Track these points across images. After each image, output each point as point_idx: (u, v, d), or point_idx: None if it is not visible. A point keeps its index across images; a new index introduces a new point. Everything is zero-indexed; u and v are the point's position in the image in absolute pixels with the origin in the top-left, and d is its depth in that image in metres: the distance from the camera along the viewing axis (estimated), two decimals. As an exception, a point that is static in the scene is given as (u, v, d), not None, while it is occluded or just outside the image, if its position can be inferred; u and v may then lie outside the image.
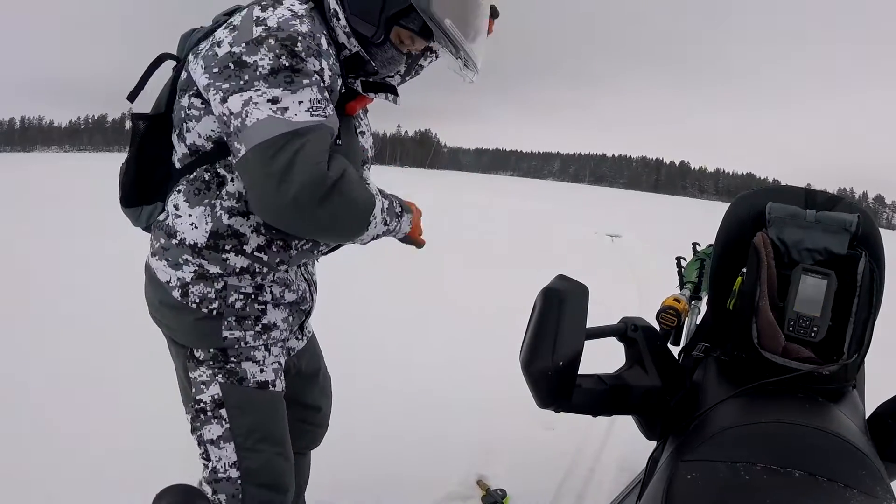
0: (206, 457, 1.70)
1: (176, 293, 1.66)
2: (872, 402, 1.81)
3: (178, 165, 1.68)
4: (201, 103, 1.60)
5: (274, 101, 1.45)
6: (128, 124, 1.76)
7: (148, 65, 1.72)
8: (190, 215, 1.65)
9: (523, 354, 1.65)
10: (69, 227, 9.44)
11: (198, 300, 1.65)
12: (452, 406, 3.82)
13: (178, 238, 1.65)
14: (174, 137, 1.69)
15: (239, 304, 1.68)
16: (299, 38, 1.50)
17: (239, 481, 1.69)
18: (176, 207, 1.66)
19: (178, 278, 1.66)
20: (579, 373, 1.63)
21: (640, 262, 10.97)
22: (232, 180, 1.64)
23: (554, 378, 1.59)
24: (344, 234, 1.62)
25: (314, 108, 1.49)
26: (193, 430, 1.71)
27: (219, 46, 1.53)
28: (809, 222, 1.85)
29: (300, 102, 1.47)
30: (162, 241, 1.68)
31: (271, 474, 1.72)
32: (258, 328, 1.72)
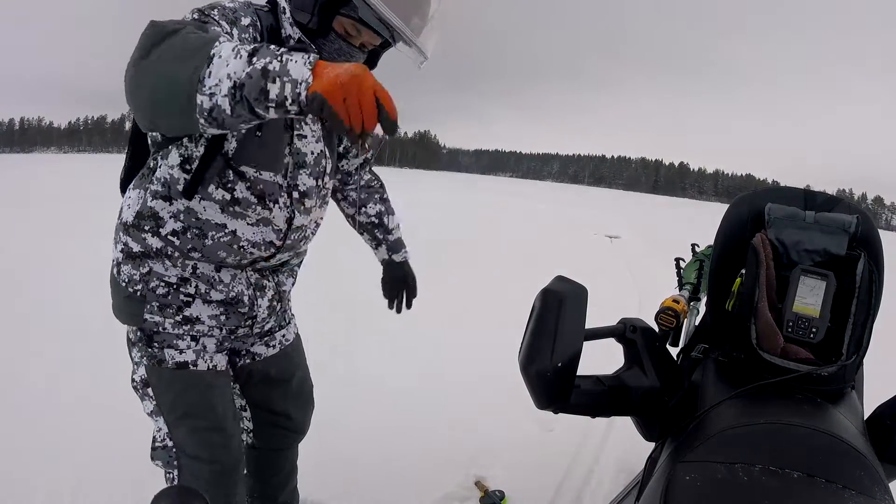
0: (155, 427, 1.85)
1: (114, 270, 1.80)
2: (871, 403, 1.81)
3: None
4: None
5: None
6: (127, 124, 1.79)
7: None
8: (129, 197, 1.76)
9: (522, 355, 1.65)
10: (66, 227, 9.45)
11: (126, 279, 1.76)
12: (451, 407, 3.82)
13: (120, 218, 1.78)
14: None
15: (161, 292, 1.75)
16: (217, 6, 1.55)
17: (174, 450, 1.82)
18: (129, 189, 1.79)
19: (115, 257, 1.79)
20: (578, 374, 1.63)
21: (638, 263, 10.97)
22: (160, 167, 1.70)
23: (553, 379, 1.58)
24: (169, 80, 1.25)
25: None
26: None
27: None
28: (808, 223, 1.85)
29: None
30: (117, 219, 1.80)
31: (198, 446, 1.81)
32: (178, 318, 1.77)
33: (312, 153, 1.81)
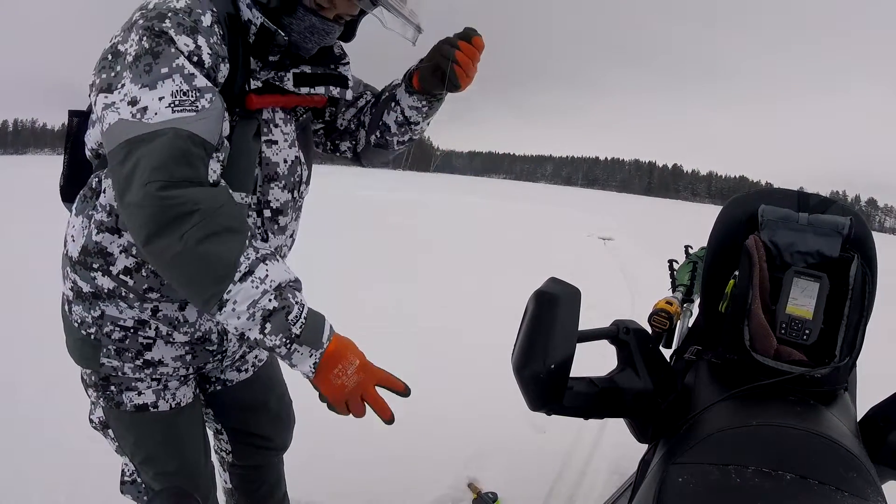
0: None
1: (65, 307, 1.61)
2: (864, 404, 1.81)
3: (92, 166, 1.56)
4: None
5: (133, 102, 1.25)
6: (74, 120, 1.59)
7: None
8: (73, 226, 1.54)
9: (515, 357, 1.64)
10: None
11: (78, 320, 1.57)
12: (444, 408, 3.81)
13: (66, 248, 1.57)
14: (86, 134, 1.54)
15: (116, 336, 1.55)
16: (169, 14, 1.31)
17: (143, 486, 1.74)
18: (71, 213, 1.57)
19: (64, 293, 1.59)
20: (571, 375, 1.63)
21: (632, 264, 10.98)
22: (105, 190, 1.47)
23: (545, 381, 1.58)
24: (183, 289, 1.31)
25: (177, 103, 1.25)
26: None
27: (112, 38, 1.37)
28: (802, 225, 1.85)
29: (161, 98, 1.25)
30: (63, 248, 1.60)
31: (166, 485, 1.69)
32: (139, 362, 1.58)
33: (286, 161, 1.59)
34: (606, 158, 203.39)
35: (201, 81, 1.30)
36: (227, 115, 1.38)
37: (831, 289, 1.71)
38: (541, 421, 3.55)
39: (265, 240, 1.60)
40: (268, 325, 1.25)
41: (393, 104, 1.76)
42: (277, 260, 1.32)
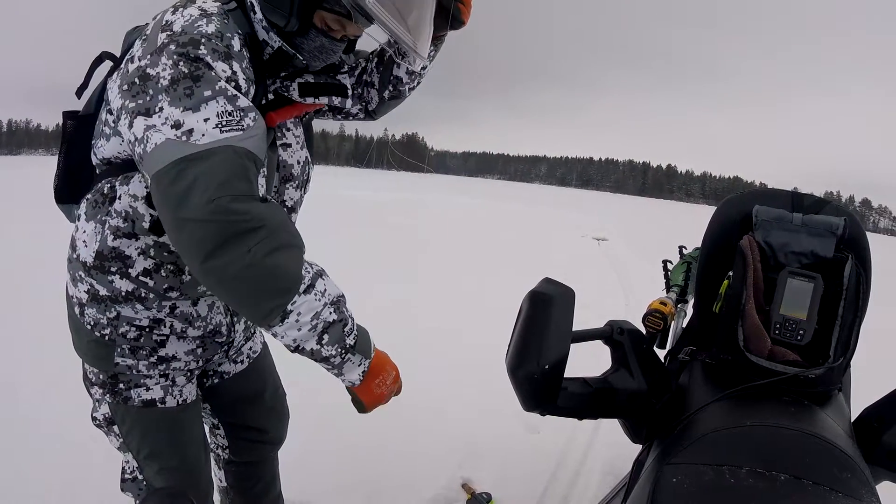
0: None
1: (76, 310, 1.63)
2: (858, 405, 1.81)
3: (96, 171, 1.57)
4: (113, 122, 1.45)
5: (176, 125, 1.27)
6: (70, 122, 1.60)
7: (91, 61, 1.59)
8: (84, 231, 1.55)
9: (509, 357, 1.64)
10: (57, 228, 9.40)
11: (92, 322, 1.60)
12: (438, 409, 3.81)
13: (76, 252, 1.58)
14: (94, 142, 1.56)
15: (132, 335, 1.60)
16: (202, 40, 1.34)
17: (143, 483, 1.77)
18: (79, 218, 1.58)
19: (77, 297, 1.61)
20: (565, 376, 1.63)
21: (626, 265, 11.01)
22: (120, 197, 1.49)
23: (540, 381, 1.58)
24: (242, 303, 1.32)
25: (224, 123, 1.29)
26: None
27: (131, 62, 1.38)
28: (796, 225, 1.85)
29: (206, 120, 1.28)
30: (69, 251, 1.62)
31: (167, 482, 1.74)
32: (153, 359, 1.64)
33: (298, 162, 1.68)
34: (601, 159, 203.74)
35: (244, 102, 1.34)
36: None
37: (825, 289, 1.71)
38: (535, 421, 3.55)
39: None
40: (325, 336, 1.35)
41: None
42: (328, 275, 1.42)
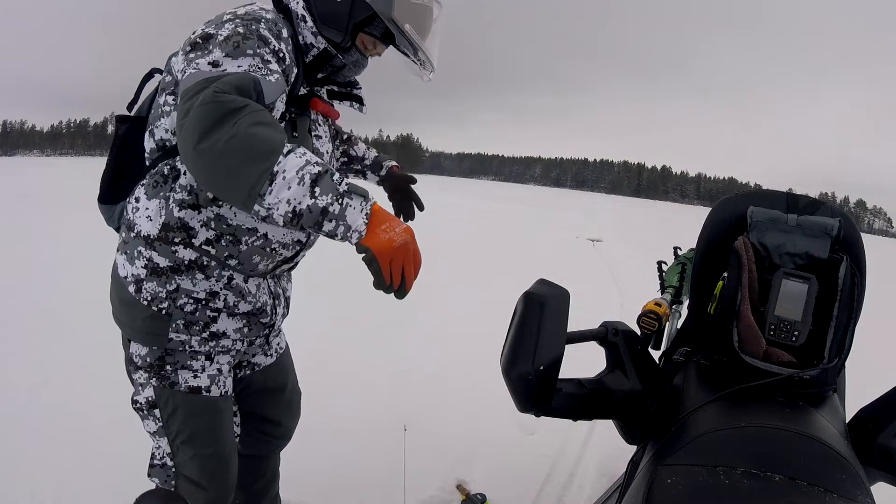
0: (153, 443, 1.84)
1: (131, 288, 1.70)
2: (853, 406, 1.81)
3: (147, 162, 1.71)
4: (173, 100, 1.63)
5: (214, 63, 1.46)
6: (110, 127, 1.78)
7: (141, 77, 1.80)
8: (147, 208, 1.68)
9: (504, 358, 1.64)
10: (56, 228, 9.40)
11: (149, 297, 1.69)
12: (433, 410, 3.81)
13: (136, 230, 1.70)
14: (146, 136, 1.70)
15: (189, 308, 1.71)
16: (262, 19, 1.58)
17: (173, 469, 1.81)
18: (136, 200, 1.71)
19: (133, 274, 1.70)
20: (560, 377, 1.62)
21: (621, 266, 11.02)
22: (185, 173, 1.66)
23: (534, 382, 1.57)
24: (231, 177, 1.33)
25: (251, 69, 1.48)
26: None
27: (193, 34, 1.57)
28: (791, 226, 1.85)
29: (239, 66, 1.47)
30: (124, 234, 1.74)
31: (199, 472, 1.80)
32: (205, 335, 1.75)
33: (327, 152, 1.90)
34: (595, 160, 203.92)
35: (274, 66, 1.54)
36: (283, 99, 1.60)
37: (820, 290, 1.72)
38: (530, 422, 3.54)
39: None
40: (317, 188, 1.32)
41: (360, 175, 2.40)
42: None
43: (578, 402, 1.71)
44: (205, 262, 1.70)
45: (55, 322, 4.85)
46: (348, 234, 1.35)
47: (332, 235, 1.37)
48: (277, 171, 1.31)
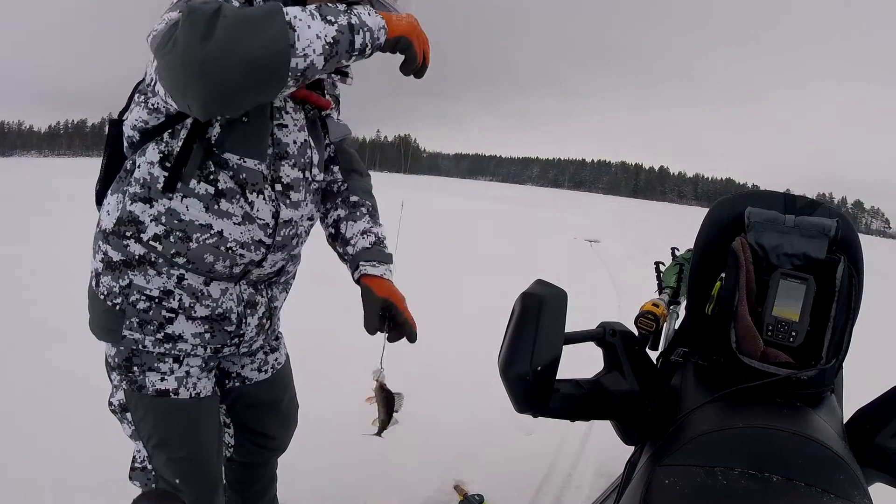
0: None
1: (92, 282, 1.69)
2: (850, 406, 1.81)
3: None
4: (141, 98, 1.58)
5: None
6: (107, 128, 1.74)
7: (135, 84, 1.70)
8: (108, 203, 1.66)
9: (502, 359, 1.64)
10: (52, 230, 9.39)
11: (105, 291, 1.65)
12: (430, 411, 3.80)
13: (99, 226, 1.67)
14: (124, 124, 1.67)
15: (142, 306, 1.63)
16: None
17: (152, 473, 1.78)
18: (106, 197, 1.70)
19: (94, 268, 1.68)
20: (557, 377, 1.62)
21: (618, 266, 11.02)
22: (139, 166, 1.60)
23: (532, 383, 1.57)
24: (254, 53, 1.28)
25: None
26: None
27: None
28: (788, 227, 1.85)
29: None
30: (95, 230, 1.70)
31: (176, 474, 1.75)
32: (160, 335, 1.66)
33: (295, 142, 1.71)
34: (593, 161, 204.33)
35: None
36: None
37: (818, 291, 1.72)
38: (527, 423, 3.54)
39: (278, 212, 1.69)
40: (329, 16, 1.35)
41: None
42: None
43: (576, 402, 1.71)
44: (152, 259, 1.61)
45: (53, 321, 4.85)
46: (377, 35, 1.42)
47: (364, 47, 1.41)
48: (290, 20, 1.30)
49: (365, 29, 1.39)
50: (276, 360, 2.09)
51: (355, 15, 1.38)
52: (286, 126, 1.69)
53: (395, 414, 1.96)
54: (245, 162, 1.59)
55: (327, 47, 1.34)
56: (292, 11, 1.31)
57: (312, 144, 1.78)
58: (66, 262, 6.83)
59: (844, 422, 1.73)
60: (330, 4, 1.36)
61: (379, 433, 1.94)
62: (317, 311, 5.10)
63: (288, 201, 1.70)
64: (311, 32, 1.31)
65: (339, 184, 2.03)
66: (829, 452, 1.36)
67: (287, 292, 1.99)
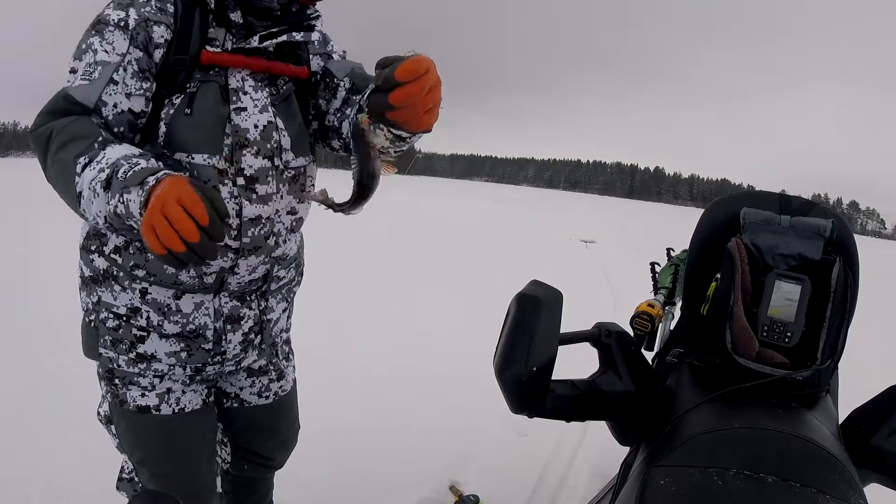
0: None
1: (80, 296, 1.67)
2: (846, 407, 1.82)
3: None
4: None
5: (72, 70, 1.40)
6: None
7: None
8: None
9: (497, 360, 1.63)
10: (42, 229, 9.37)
11: (84, 307, 1.63)
12: (426, 412, 3.81)
13: (79, 242, 1.65)
14: None
15: (111, 324, 1.57)
16: (112, 1, 1.44)
17: (139, 485, 1.78)
18: None
19: (77, 283, 1.66)
20: (553, 378, 1.62)
21: (614, 267, 11.03)
22: None
23: (527, 383, 1.57)
24: (72, 206, 1.32)
25: (85, 73, 1.38)
26: None
27: None
28: (784, 228, 1.85)
29: (83, 68, 1.39)
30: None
31: (160, 487, 1.70)
32: (132, 355, 1.58)
33: (256, 126, 1.51)
34: (588, 161, 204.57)
35: (101, 56, 1.39)
36: (146, 77, 1.43)
37: (813, 291, 1.71)
38: (523, 423, 3.54)
39: (241, 208, 1.52)
40: (108, 193, 1.20)
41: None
42: (123, 144, 1.34)
43: (571, 403, 1.71)
44: (115, 273, 1.55)
45: (50, 322, 4.83)
46: (132, 223, 1.20)
47: (131, 227, 1.23)
48: (80, 192, 1.26)
49: (130, 221, 1.18)
50: (280, 387, 1.98)
51: (122, 202, 1.17)
52: (244, 109, 1.51)
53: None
54: (193, 159, 1.45)
55: (106, 223, 1.25)
56: (83, 183, 1.24)
57: (281, 125, 1.58)
58: (65, 263, 6.84)
59: (840, 422, 1.73)
60: (119, 169, 1.20)
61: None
62: (314, 318, 5.10)
63: (254, 196, 1.53)
64: (93, 209, 1.25)
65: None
66: (825, 453, 1.36)
67: (288, 302, 1.88)
